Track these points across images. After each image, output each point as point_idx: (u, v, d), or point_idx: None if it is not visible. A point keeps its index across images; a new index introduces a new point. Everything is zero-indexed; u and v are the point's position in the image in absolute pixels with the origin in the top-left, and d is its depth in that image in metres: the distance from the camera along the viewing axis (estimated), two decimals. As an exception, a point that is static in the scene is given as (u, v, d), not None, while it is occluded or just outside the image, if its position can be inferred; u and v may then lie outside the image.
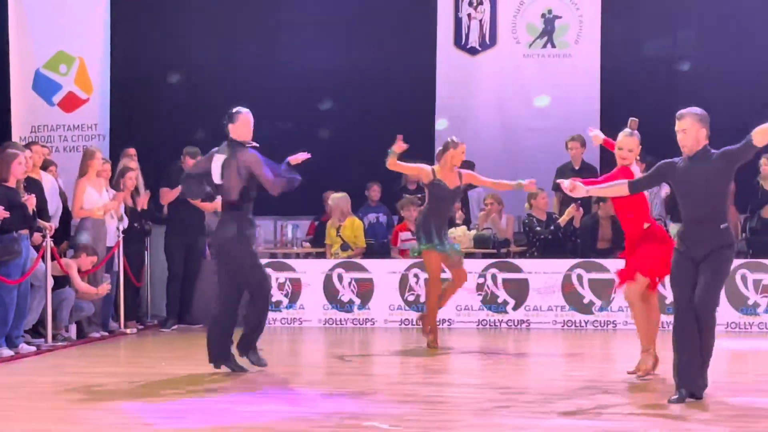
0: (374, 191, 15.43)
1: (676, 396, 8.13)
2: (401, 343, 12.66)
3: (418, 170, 12.00)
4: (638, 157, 10.09)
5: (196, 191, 10.25)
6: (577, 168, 14.67)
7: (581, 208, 14.18)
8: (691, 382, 8.19)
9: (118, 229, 13.44)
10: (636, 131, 9.68)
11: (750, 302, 13.31)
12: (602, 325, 13.56)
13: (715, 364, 8.45)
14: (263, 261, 10.67)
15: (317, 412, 7.92)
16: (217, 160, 9.92)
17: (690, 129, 8.49)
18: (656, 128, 15.34)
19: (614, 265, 13.62)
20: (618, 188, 8.92)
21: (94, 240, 12.96)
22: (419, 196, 15.32)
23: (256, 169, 9.83)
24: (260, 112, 16.19)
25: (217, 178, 9.88)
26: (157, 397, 8.71)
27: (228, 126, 9.95)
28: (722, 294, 12.81)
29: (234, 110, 10.03)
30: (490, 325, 13.70)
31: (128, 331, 13.55)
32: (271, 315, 13.85)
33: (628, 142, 9.76)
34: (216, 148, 10.03)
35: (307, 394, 8.78)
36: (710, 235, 8.27)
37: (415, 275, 13.96)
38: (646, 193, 9.54)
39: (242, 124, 9.97)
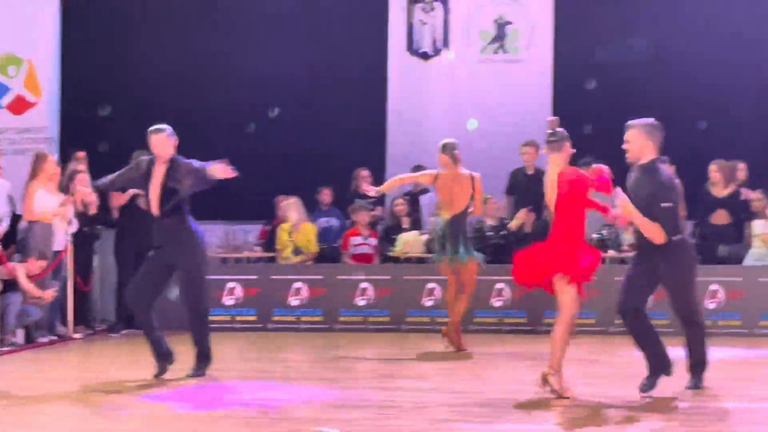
0: (325, 195, 15.39)
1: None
2: (356, 347, 12.63)
3: (423, 177, 12.17)
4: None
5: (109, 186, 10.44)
6: (530, 173, 14.71)
7: (533, 213, 14.22)
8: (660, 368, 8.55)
9: (67, 233, 13.31)
10: (560, 129, 9.17)
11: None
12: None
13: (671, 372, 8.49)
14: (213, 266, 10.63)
15: (267, 417, 7.87)
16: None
17: (634, 141, 8.52)
18: (608, 134, 15.49)
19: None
20: (654, 230, 8.37)
21: (43, 244, 12.83)
22: (371, 200, 15.31)
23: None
24: (211, 115, 16.24)
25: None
26: (107, 403, 8.63)
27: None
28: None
29: (151, 128, 9.93)
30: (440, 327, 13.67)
31: (77, 336, 13.42)
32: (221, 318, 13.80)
33: None
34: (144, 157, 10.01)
35: (258, 400, 8.72)
36: (660, 249, 8.34)
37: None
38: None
39: (154, 145, 9.87)
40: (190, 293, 9.80)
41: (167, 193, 9.71)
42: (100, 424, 7.66)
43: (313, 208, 15.34)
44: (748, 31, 15.66)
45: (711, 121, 15.55)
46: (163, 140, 9.83)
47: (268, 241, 15.07)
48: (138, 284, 9.78)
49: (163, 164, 9.80)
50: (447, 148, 11.88)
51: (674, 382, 8.83)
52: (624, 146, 8.56)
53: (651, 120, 8.67)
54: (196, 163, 9.79)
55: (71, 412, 8.19)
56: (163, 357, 9.90)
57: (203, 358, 9.98)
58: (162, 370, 9.84)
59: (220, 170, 9.62)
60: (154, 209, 9.76)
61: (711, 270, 13.51)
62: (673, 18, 15.78)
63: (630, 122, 8.60)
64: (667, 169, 8.82)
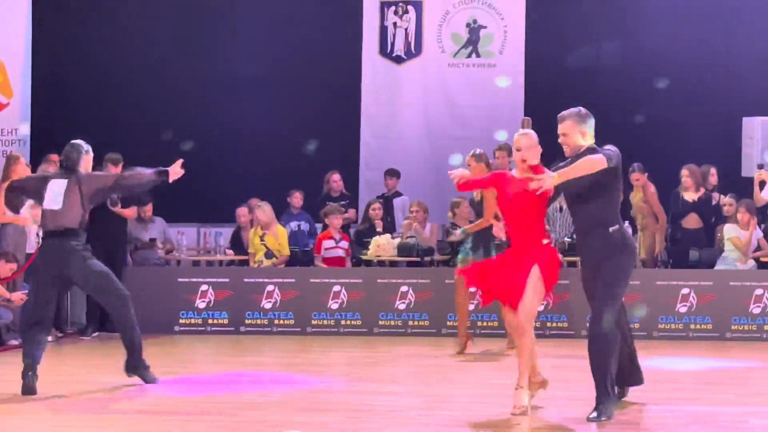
0: (296, 198, 15.35)
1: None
2: (329, 351, 12.63)
3: None
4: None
5: (16, 204, 10.19)
6: (504, 176, 14.74)
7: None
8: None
9: (38, 235, 13.24)
10: (530, 130, 8.82)
11: (673, 310, 13.43)
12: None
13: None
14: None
15: (240, 420, 7.87)
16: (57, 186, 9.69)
17: (570, 133, 8.27)
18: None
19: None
20: (593, 161, 7.94)
21: (14, 246, 12.76)
22: (343, 203, 15.31)
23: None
24: (184, 118, 16.21)
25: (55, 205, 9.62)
26: (78, 405, 8.61)
27: (76, 158, 9.76)
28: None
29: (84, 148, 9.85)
30: (414, 331, 13.69)
31: (48, 338, 13.32)
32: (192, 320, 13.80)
33: (517, 140, 8.57)
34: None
35: (230, 403, 8.71)
36: (600, 242, 8.04)
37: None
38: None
39: (88, 163, 9.84)
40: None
41: None
42: (71, 426, 7.63)
43: (284, 211, 15.32)
44: (717, 35, 15.76)
45: (684, 121, 15.62)
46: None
47: (235, 244, 15.03)
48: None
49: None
50: (483, 158, 11.89)
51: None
52: (560, 140, 8.30)
53: (580, 108, 8.47)
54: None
55: (43, 416, 8.16)
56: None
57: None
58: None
59: (173, 172, 9.62)
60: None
61: (682, 274, 13.58)
62: (644, 22, 15.85)
63: (562, 113, 8.35)
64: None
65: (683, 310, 13.41)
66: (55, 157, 14.32)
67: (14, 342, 12.76)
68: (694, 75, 15.61)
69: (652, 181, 14.39)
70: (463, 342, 12.12)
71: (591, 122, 8.41)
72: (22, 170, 13.08)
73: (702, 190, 14.33)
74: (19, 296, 12.49)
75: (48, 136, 15.81)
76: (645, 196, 14.22)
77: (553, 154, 14.94)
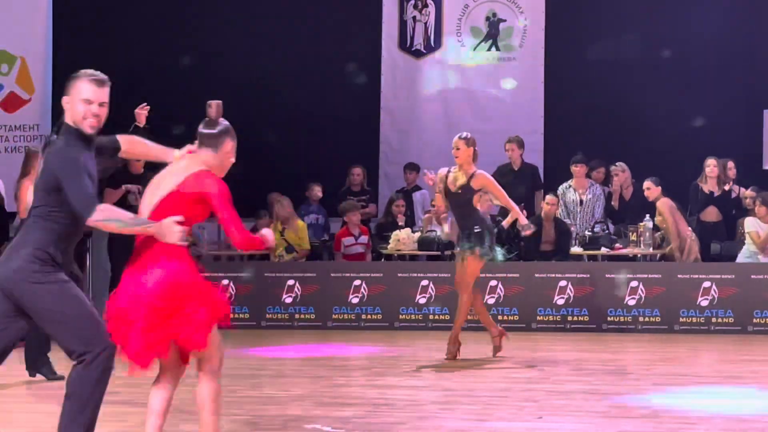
0: (315, 191, 15.37)
1: None
2: (349, 345, 12.65)
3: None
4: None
5: None
6: (516, 169, 14.76)
7: (525, 211, 14.23)
8: None
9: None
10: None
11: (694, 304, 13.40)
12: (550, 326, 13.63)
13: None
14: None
15: (260, 414, 7.89)
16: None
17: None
18: (599, 132, 15.54)
19: (554, 267, 13.72)
20: None
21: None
22: (363, 197, 15.33)
23: None
24: (203, 112, 16.21)
25: None
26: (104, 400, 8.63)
27: None
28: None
29: None
30: (435, 325, 13.69)
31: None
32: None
33: None
34: None
35: (252, 397, 8.74)
36: None
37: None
38: None
39: None
40: None
41: None
42: (99, 420, 7.64)
43: (302, 204, 15.32)
44: (741, 26, 15.68)
45: (703, 116, 15.55)
46: None
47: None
48: None
49: None
50: (471, 142, 11.26)
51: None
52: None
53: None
54: None
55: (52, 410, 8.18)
56: None
57: None
58: None
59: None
60: None
61: (703, 267, 13.54)
62: (666, 13, 15.79)
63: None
64: None
65: (704, 303, 13.37)
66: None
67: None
68: (716, 67, 15.54)
69: (672, 173, 14.35)
70: (498, 338, 11.17)
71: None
72: (41, 166, 13.13)
73: (723, 184, 14.27)
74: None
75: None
76: (662, 215, 13.81)
77: (573, 148, 14.97)
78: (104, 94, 6.01)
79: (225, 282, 14.02)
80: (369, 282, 13.89)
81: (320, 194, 15.34)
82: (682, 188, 14.38)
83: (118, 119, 14.85)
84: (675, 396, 8.76)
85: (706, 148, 14.61)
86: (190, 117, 16.13)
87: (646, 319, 13.45)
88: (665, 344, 12.52)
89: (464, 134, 11.14)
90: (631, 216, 14.19)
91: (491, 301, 13.34)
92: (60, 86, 17.39)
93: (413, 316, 13.83)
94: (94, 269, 14.52)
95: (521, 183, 14.70)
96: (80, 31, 16.41)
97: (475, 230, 10.73)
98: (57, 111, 16.18)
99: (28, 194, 12.87)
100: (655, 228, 13.88)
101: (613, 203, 14.64)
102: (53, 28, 16.24)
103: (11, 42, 16.20)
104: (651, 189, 13.90)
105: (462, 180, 10.91)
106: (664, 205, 13.71)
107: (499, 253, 10.96)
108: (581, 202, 14.60)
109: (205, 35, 16.31)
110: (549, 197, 14.14)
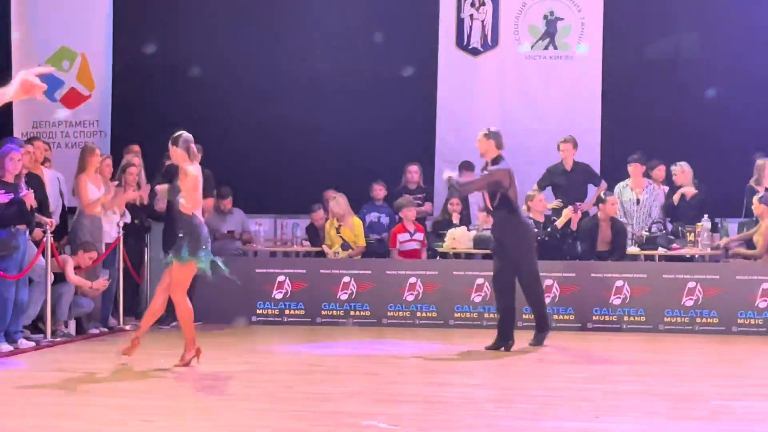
0: (379, 190, 15.39)
1: None
2: (404, 342, 12.66)
3: None
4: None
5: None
6: (568, 169, 14.71)
7: (579, 211, 14.20)
8: None
9: (118, 225, 13.44)
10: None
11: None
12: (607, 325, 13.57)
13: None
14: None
15: (316, 411, 7.92)
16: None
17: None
18: (658, 130, 15.45)
19: (612, 267, 13.66)
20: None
21: (91, 236, 12.95)
22: (419, 196, 15.34)
23: None
24: (261, 108, 16.30)
25: None
26: (155, 394, 8.72)
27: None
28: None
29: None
30: (490, 324, 13.67)
31: (127, 327, 13.54)
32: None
33: None
34: None
35: (306, 393, 8.78)
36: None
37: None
38: None
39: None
40: None
41: None
42: (153, 413, 7.73)
43: (361, 204, 15.36)
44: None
45: (764, 113, 15.41)
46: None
47: (311, 236, 15.11)
48: None
49: None
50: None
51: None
52: None
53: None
54: None
55: (123, 402, 8.28)
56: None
57: None
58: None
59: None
60: None
61: (766, 269, 13.41)
62: (725, 11, 15.66)
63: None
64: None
65: (764, 305, 13.27)
66: (136, 147, 14.52)
67: (95, 331, 12.97)
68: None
69: (724, 170, 14.27)
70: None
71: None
72: (97, 161, 13.29)
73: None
74: (102, 283, 12.69)
75: (128, 128, 16.02)
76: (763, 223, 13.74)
77: (630, 147, 14.89)
78: None
79: (281, 279, 14.09)
80: (424, 280, 13.91)
81: (383, 193, 15.37)
82: (737, 188, 14.29)
83: (177, 113, 14.94)
84: (733, 397, 8.70)
85: (764, 147, 14.47)
86: (253, 114, 16.27)
87: (703, 320, 13.37)
88: (722, 345, 12.44)
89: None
90: (691, 216, 14.10)
91: (546, 300, 13.29)
92: (119, 82, 17.62)
93: (468, 315, 13.83)
94: (151, 261, 14.61)
95: (573, 183, 14.67)
96: (140, 27, 16.52)
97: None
98: (116, 107, 16.38)
99: (87, 190, 13.06)
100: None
101: (671, 202, 14.51)
102: (113, 25, 16.37)
103: (72, 39, 16.35)
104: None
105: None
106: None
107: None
108: (638, 201, 14.52)
109: (264, 33, 16.36)
110: (610, 197, 14.09)
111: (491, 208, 11.75)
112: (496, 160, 11.60)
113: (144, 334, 10.59)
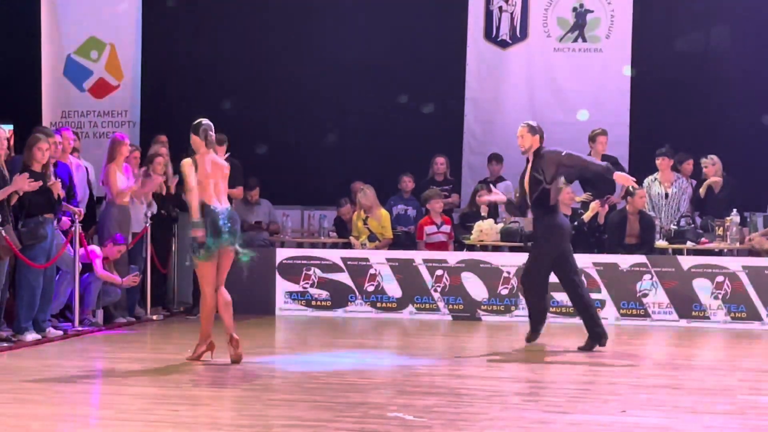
0: (407, 183, 15.36)
1: None
2: (430, 334, 12.65)
3: None
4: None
5: None
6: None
7: (606, 205, 14.14)
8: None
9: (146, 215, 13.47)
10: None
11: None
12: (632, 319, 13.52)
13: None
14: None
15: (342, 402, 7.93)
16: None
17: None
18: (688, 124, 15.36)
19: (638, 261, 13.61)
20: None
21: (119, 226, 12.99)
22: (446, 188, 15.31)
23: None
24: (289, 100, 16.32)
25: None
26: (182, 384, 8.74)
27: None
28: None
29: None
30: (516, 316, 13.65)
31: (154, 317, 13.58)
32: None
33: None
34: None
35: (333, 384, 8.78)
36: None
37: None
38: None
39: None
40: None
41: None
42: (175, 404, 7.75)
43: (389, 195, 15.34)
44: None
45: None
46: None
47: (338, 227, 15.11)
48: None
49: None
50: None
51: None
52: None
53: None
54: None
55: (146, 393, 8.30)
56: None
57: None
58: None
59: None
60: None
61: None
62: (755, 4, 15.55)
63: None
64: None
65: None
66: (163, 137, 14.54)
67: (122, 320, 13.01)
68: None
69: (759, 166, 14.19)
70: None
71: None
72: (126, 151, 13.33)
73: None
74: (131, 279, 12.74)
75: (157, 118, 16.05)
76: None
77: (659, 141, 14.82)
78: None
79: (307, 270, 14.10)
80: (451, 272, 13.89)
81: (412, 185, 15.33)
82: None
83: (206, 103, 14.94)
84: (760, 392, 8.66)
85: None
86: (287, 102, 16.20)
87: (732, 314, 13.31)
88: (751, 340, 12.38)
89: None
90: (720, 209, 14.02)
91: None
92: (148, 73, 17.64)
93: (495, 307, 13.80)
94: (178, 251, 14.62)
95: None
96: (169, 18, 16.55)
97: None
98: (145, 97, 16.41)
99: (117, 179, 13.10)
100: None
101: (699, 195, 14.43)
102: (142, 15, 16.40)
103: (101, 29, 16.38)
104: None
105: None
106: None
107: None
108: (666, 195, 14.45)
109: (294, 24, 16.35)
110: (638, 190, 14.01)
111: (529, 204, 11.40)
112: (538, 152, 11.25)
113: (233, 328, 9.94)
